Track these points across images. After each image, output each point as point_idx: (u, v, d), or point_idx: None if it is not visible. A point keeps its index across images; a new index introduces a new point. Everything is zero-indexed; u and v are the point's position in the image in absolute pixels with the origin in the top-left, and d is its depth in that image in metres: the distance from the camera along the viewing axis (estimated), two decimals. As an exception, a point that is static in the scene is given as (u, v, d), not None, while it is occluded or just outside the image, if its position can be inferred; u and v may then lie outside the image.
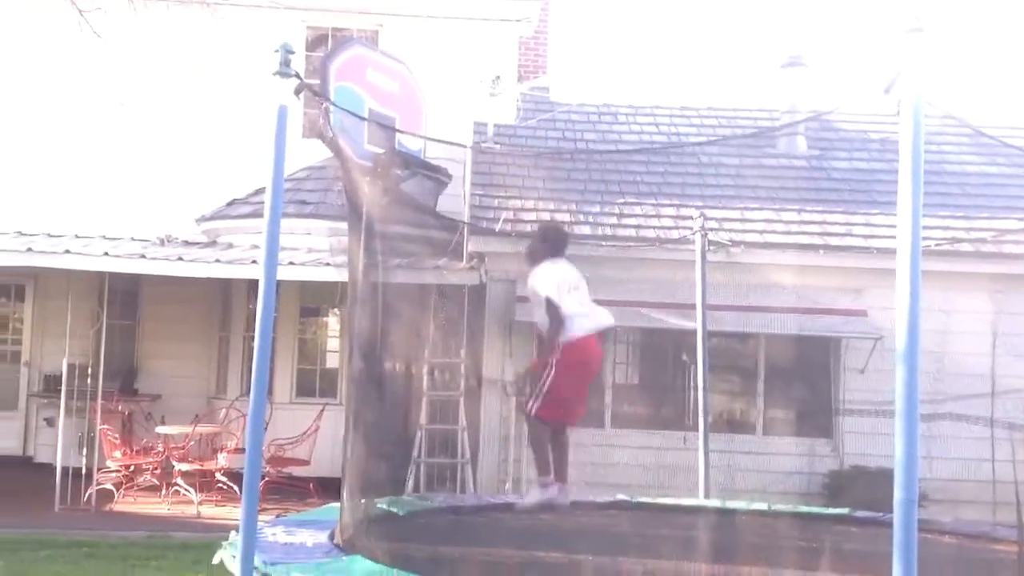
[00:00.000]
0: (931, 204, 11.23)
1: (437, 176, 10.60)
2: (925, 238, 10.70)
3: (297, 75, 4.94)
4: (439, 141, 8.07)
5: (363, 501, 5.98)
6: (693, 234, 9.16)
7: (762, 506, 7.32)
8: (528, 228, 11.06)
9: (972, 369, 10.11)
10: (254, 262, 10.16)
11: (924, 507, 9.72)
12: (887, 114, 13.37)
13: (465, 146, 10.97)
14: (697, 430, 8.83)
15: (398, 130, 7.94)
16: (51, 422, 11.79)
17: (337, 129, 6.27)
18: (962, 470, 10.10)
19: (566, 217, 11.39)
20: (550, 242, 7.02)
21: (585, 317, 6.55)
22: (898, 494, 3.30)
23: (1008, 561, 4.71)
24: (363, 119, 7.06)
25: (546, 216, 11.36)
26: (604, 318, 6.72)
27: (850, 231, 11.12)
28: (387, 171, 6.73)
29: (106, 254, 10.33)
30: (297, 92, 5.10)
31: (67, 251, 10.37)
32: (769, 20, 31.61)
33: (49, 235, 11.27)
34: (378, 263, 7.05)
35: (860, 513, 6.88)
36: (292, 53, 4.93)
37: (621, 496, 7.57)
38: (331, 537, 5.16)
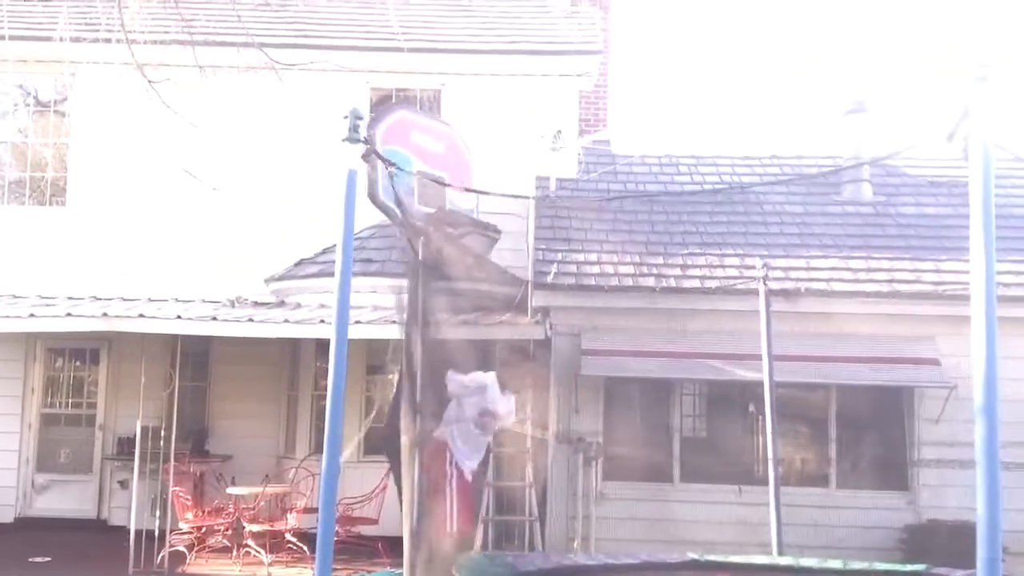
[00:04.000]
0: (1000, 248, 11.01)
1: (487, 233, 10.70)
2: (996, 283, 10.41)
3: (365, 141, 5.07)
4: (498, 195, 8.15)
5: (431, 563, 5.96)
6: (757, 283, 9.10)
7: (837, 564, 7.14)
8: (592, 281, 11.10)
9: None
10: (322, 321, 10.29)
11: (1003, 560, 9.44)
12: (953, 158, 13.19)
13: (528, 197, 11.06)
14: (767, 484, 8.69)
15: (449, 185, 8.07)
16: (124, 484, 11.97)
17: (395, 191, 6.40)
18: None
19: (630, 269, 11.38)
20: None
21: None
22: (981, 552, 3.23)
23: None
24: (412, 174, 7.21)
25: (610, 268, 11.36)
26: None
27: (919, 277, 10.93)
28: (440, 229, 6.83)
29: (179, 317, 10.53)
30: (365, 157, 5.23)
31: (141, 315, 10.60)
32: (832, 66, 31.50)
33: (123, 299, 11.55)
34: (439, 320, 7.11)
35: (938, 569, 6.68)
36: (360, 119, 5.06)
37: (692, 555, 7.44)
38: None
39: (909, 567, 7.52)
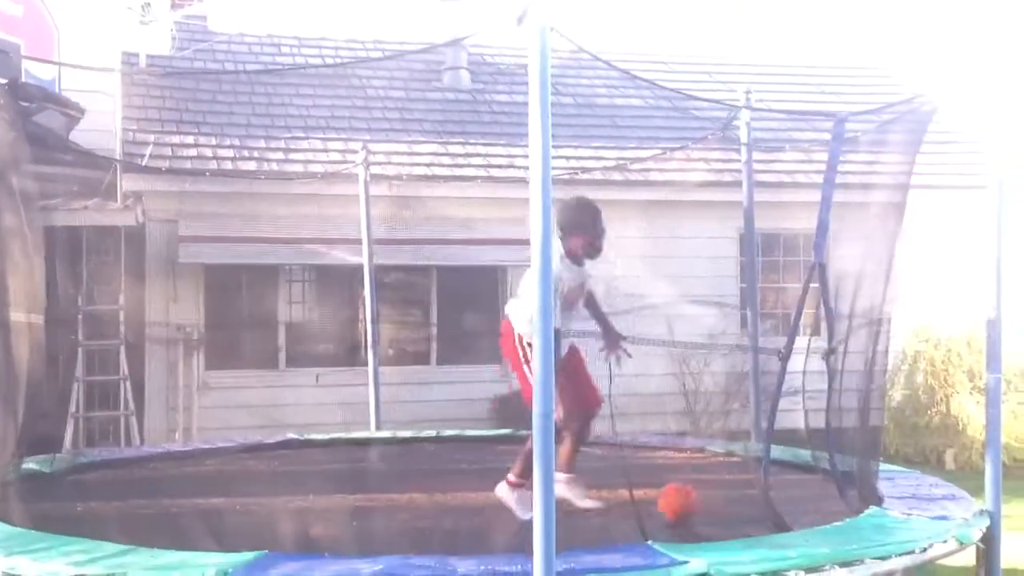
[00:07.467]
0: (585, 136, 11.84)
1: (67, 111, 9.83)
2: (578, 168, 11.11)
3: None
4: (79, 67, 7.44)
5: (7, 463, 5.52)
6: (356, 167, 9.13)
7: (431, 433, 7.50)
8: (188, 164, 10.58)
9: (624, 290, 10.74)
10: None
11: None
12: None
13: (114, 69, 10.21)
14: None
15: (27, 56, 7.23)
16: None
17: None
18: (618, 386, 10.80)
19: (230, 153, 10.98)
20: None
21: None
22: (536, 408, 3.47)
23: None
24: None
25: (208, 152, 10.88)
26: None
27: (512, 163, 11.47)
28: (9, 103, 6.13)
29: None
30: None
31: None
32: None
33: None
34: (15, 206, 6.45)
35: (523, 431, 7.19)
36: None
37: (291, 435, 7.49)
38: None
39: (496, 432, 8.08)
